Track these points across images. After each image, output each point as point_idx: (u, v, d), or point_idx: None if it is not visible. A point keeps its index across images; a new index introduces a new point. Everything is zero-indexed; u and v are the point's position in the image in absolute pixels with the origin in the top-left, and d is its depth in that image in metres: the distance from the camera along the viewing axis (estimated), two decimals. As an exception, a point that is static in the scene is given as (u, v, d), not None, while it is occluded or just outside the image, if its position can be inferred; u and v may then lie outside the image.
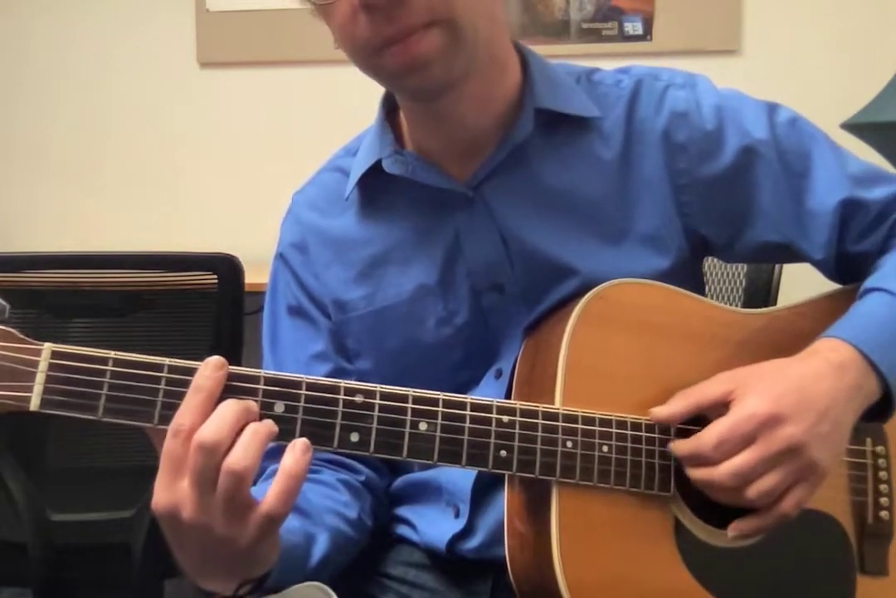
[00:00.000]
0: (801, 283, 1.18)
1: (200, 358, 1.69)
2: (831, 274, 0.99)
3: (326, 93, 2.76)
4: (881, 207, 0.96)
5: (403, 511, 1.01)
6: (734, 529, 0.83)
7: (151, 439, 0.75)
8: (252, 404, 0.73)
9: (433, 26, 0.83)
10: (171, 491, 0.70)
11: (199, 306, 1.63)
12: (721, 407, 0.83)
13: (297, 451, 0.71)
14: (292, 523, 0.85)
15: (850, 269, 0.97)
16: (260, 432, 0.71)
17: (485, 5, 0.88)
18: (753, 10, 2.67)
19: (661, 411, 0.85)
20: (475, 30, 0.86)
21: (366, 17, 0.82)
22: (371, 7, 0.81)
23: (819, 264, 0.98)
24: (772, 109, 0.98)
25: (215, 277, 1.58)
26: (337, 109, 2.36)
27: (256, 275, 1.60)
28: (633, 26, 2.72)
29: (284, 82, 2.85)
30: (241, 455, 0.69)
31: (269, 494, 0.71)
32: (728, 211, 0.96)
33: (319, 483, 0.96)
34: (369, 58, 0.86)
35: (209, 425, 0.70)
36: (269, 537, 0.73)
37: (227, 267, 1.58)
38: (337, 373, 0.99)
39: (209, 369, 0.73)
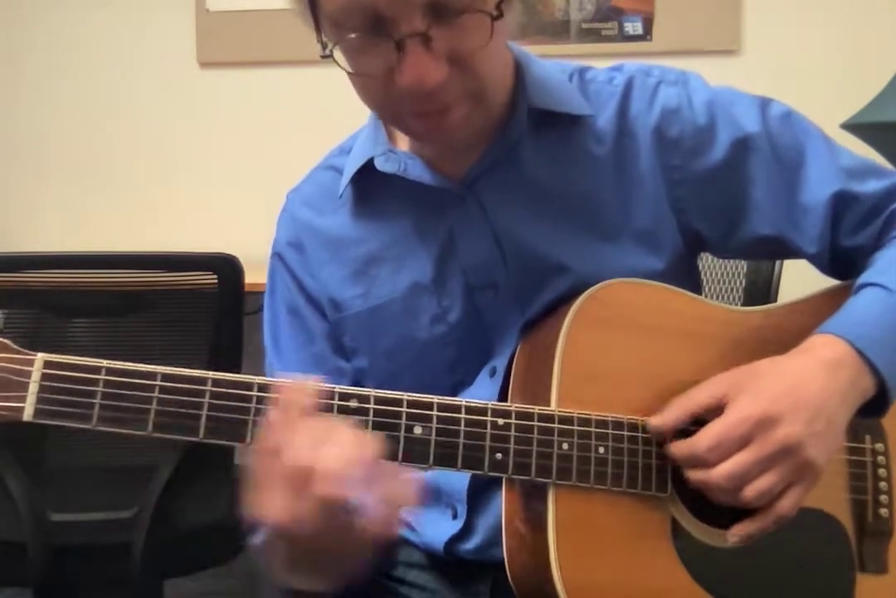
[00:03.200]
0: (800, 283, 1.18)
1: (200, 358, 1.68)
2: (825, 269, 0.99)
3: (326, 93, 2.75)
4: (875, 200, 0.96)
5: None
6: (735, 534, 0.83)
7: (244, 456, 0.75)
8: (368, 437, 0.73)
9: (463, 100, 0.85)
10: (291, 509, 0.70)
11: (199, 306, 1.63)
12: (716, 410, 0.83)
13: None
14: None
15: (844, 263, 0.97)
16: (341, 456, 0.71)
17: (505, 62, 0.90)
18: (753, 10, 2.67)
19: (657, 422, 0.85)
20: (496, 92, 0.89)
21: (405, 92, 0.82)
22: (413, 92, 0.81)
23: (813, 259, 0.98)
24: (764, 103, 0.98)
25: (215, 277, 1.58)
26: (337, 109, 2.36)
27: (256, 275, 1.59)
28: (633, 26, 2.72)
29: (284, 82, 2.85)
30: (331, 482, 0.70)
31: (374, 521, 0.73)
32: (722, 205, 0.96)
33: None
34: (396, 118, 0.89)
35: (336, 457, 0.70)
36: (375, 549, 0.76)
37: (227, 267, 1.58)
38: (335, 374, 0.99)
39: (295, 388, 0.73)
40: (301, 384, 0.73)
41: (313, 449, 0.70)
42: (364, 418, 0.76)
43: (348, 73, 0.85)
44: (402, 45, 0.79)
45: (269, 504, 0.71)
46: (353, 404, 0.77)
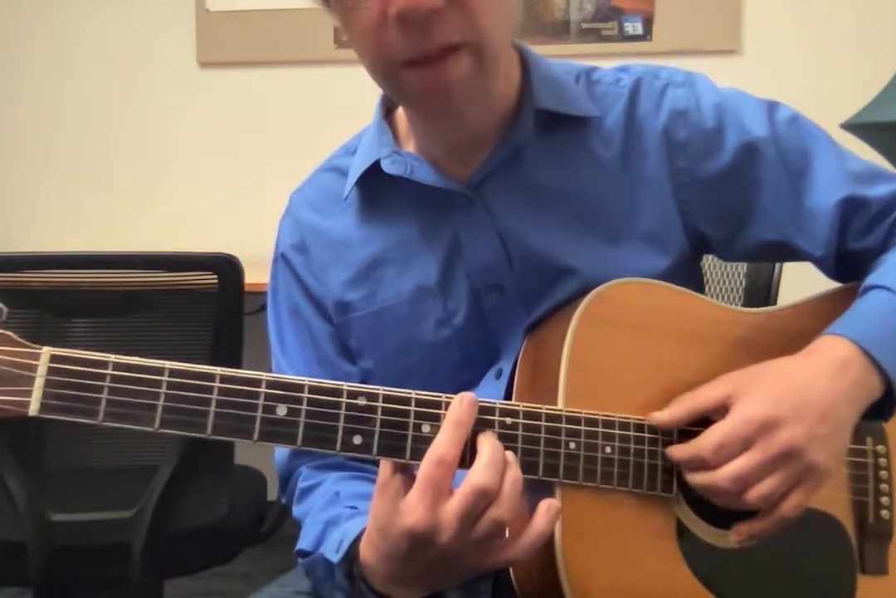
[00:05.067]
0: (801, 283, 1.18)
1: (200, 358, 1.68)
2: (831, 272, 0.99)
3: (326, 93, 2.76)
4: (882, 204, 0.96)
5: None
6: (738, 533, 0.83)
7: (384, 462, 0.78)
8: (509, 454, 0.77)
9: (462, 49, 0.83)
10: (431, 515, 0.74)
11: (199, 306, 1.62)
12: (721, 410, 0.83)
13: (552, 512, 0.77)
14: None
15: (849, 267, 0.97)
16: (518, 481, 0.76)
17: (507, 24, 0.88)
18: (753, 10, 2.67)
19: (661, 416, 0.85)
20: (497, 55, 0.87)
21: (398, 28, 0.81)
22: (407, 20, 0.80)
23: (819, 262, 0.98)
24: (772, 107, 0.98)
25: (215, 277, 1.57)
26: (336, 109, 2.37)
27: (256, 275, 1.59)
28: (633, 26, 2.72)
29: (284, 82, 2.85)
30: (507, 508, 0.74)
31: (517, 547, 0.76)
32: (728, 209, 0.96)
33: None
34: (392, 71, 0.85)
35: (485, 471, 0.74)
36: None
37: (227, 267, 1.58)
38: (341, 376, 0.99)
39: (468, 405, 0.76)
40: (471, 399, 0.77)
41: (499, 471, 0.74)
42: (372, 416, 0.76)
43: (344, 30, 0.85)
44: None
45: (421, 509, 0.73)
46: (362, 401, 0.76)
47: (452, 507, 0.73)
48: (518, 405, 0.81)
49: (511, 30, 0.90)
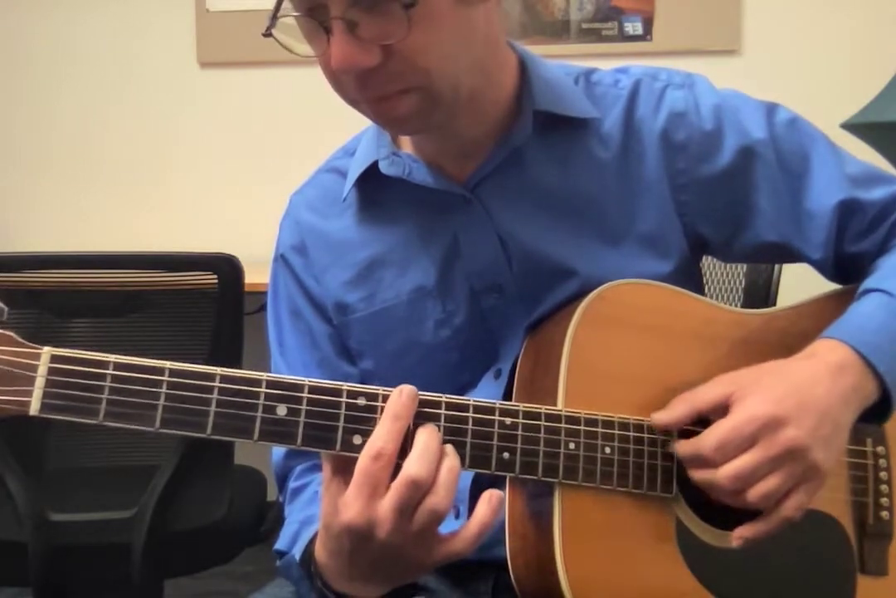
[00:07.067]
0: (801, 283, 1.18)
1: (200, 358, 1.68)
2: (829, 274, 0.99)
3: (326, 93, 2.75)
4: (880, 207, 0.96)
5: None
6: (739, 536, 0.83)
7: (325, 462, 0.77)
8: (448, 447, 0.77)
9: (410, 92, 0.84)
10: (368, 510, 0.73)
11: (199, 306, 1.62)
12: (722, 409, 0.83)
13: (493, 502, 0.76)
14: None
15: (848, 269, 0.97)
16: (454, 469, 0.75)
17: (467, 58, 0.86)
18: (753, 10, 2.67)
19: (662, 417, 0.85)
20: (454, 88, 0.86)
21: (344, 77, 0.84)
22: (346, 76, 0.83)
23: (817, 264, 0.98)
24: (771, 109, 0.98)
25: (215, 277, 1.57)
26: (336, 109, 2.37)
27: (256, 275, 1.59)
28: (633, 26, 2.72)
29: (284, 82, 2.85)
30: (444, 496, 0.74)
31: (460, 538, 0.76)
32: (726, 211, 0.96)
33: None
34: (352, 103, 0.89)
35: (418, 461, 0.73)
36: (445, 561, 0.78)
37: (227, 267, 1.58)
38: (340, 378, 0.99)
39: (406, 398, 0.75)
40: (410, 392, 0.76)
41: (433, 461, 0.73)
42: (372, 416, 0.76)
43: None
44: (329, 28, 0.80)
45: (359, 505, 0.73)
46: (362, 401, 0.76)
47: (388, 500, 0.73)
48: (518, 406, 0.81)
49: (481, 58, 0.88)
